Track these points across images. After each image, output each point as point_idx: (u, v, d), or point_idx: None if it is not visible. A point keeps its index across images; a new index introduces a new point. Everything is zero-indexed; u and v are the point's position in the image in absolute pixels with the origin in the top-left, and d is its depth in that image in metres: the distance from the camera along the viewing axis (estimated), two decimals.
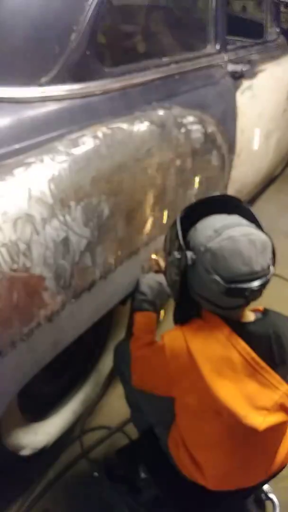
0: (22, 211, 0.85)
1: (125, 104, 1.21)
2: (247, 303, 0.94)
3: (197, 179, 1.48)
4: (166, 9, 1.59)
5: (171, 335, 1.02)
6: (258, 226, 0.98)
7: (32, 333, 0.94)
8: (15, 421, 1.21)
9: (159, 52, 1.46)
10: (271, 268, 0.93)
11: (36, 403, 1.32)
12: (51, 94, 1.04)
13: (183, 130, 1.34)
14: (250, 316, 1.00)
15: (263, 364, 0.92)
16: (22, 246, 0.86)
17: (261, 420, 0.90)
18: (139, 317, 1.23)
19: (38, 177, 0.90)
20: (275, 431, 0.96)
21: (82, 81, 1.10)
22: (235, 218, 0.96)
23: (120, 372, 1.34)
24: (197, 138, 1.42)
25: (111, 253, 1.13)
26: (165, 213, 1.35)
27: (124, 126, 1.14)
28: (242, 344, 0.93)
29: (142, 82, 1.29)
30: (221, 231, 0.91)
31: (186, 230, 1.00)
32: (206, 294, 0.95)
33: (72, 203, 0.96)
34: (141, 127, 1.19)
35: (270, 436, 1.00)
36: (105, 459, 1.52)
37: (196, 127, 1.41)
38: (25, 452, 1.27)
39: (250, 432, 0.90)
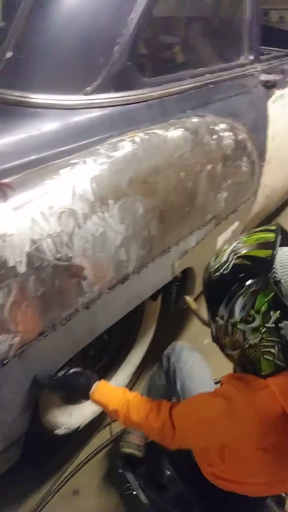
0: (66, 206, 0.95)
1: (162, 112, 1.30)
2: None
3: (227, 184, 1.55)
4: (202, 20, 1.67)
5: (262, 398, 0.88)
6: None
7: (70, 318, 1.03)
8: (52, 401, 1.30)
9: (195, 62, 1.55)
10: None
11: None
12: (94, 102, 1.14)
13: (215, 136, 1.42)
14: None
15: None
16: (65, 238, 0.95)
17: None
18: (99, 397, 1.07)
19: (81, 177, 0.99)
20: None
21: (123, 90, 1.19)
22: None
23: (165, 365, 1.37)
24: (228, 144, 1.48)
25: (144, 249, 1.21)
26: (195, 215, 1.42)
27: (160, 132, 1.23)
28: None
29: (178, 91, 1.38)
30: None
31: None
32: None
33: (111, 201, 1.05)
34: (175, 133, 1.27)
35: None
36: (127, 454, 1.54)
37: (227, 134, 1.48)
38: (60, 432, 1.36)
39: None
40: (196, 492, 1.19)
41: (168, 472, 1.31)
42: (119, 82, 1.18)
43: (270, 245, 0.88)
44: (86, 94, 1.12)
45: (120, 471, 1.43)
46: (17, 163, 0.95)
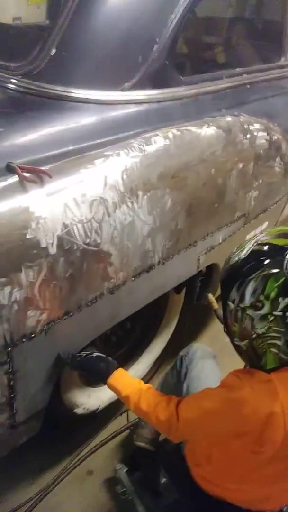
0: (98, 194, 1.01)
1: (196, 110, 1.34)
2: None
3: (258, 183, 1.57)
4: (243, 21, 1.69)
5: (262, 390, 0.91)
6: None
7: (95, 301, 1.09)
8: (73, 381, 1.38)
9: (233, 62, 1.58)
10: None
11: None
12: (131, 98, 1.19)
13: (248, 136, 1.44)
14: None
15: None
16: (95, 225, 1.01)
17: None
18: (115, 382, 1.11)
19: (114, 168, 1.05)
20: None
21: (159, 88, 1.24)
22: None
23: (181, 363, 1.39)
24: (261, 144, 1.50)
25: (170, 241, 1.26)
26: (224, 212, 1.46)
27: (193, 129, 1.27)
28: None
29: (214, 90, 1.42)
30: None
31: None
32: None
33: (140, 193, 1.10)
34: (209, 131, 1.31)
35: None
36: (127, 458, 1.57)
37: (261, 134, 1.50)
38: (78, 411, 1.43)
39: None
40: (192, 501, 1.19)
41: (164, 479, 1.33)
42: (156, 80, 1.23)
43: None
44: (123, 90, 1.18)
45: (117, 475, 1.45)
46: (55, 152, 1.01)
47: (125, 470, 1.45)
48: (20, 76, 1.13)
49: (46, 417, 1.22)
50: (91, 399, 1.48)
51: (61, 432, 1.61)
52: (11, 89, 1.12)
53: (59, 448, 1.64)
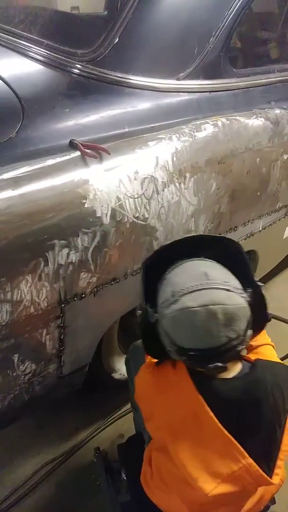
0: (149, 173, 1.10)
1: (246, 101, 1.41)
2: (216, 371, 0.85)
3: None
4: None
5: (141, 379, 0.99)
6: (245, 276, 0.87)
7: (139, 271, 1.19)
8: (113, 347, 1.49)
9: (285, 57, 1.62)
10: (248, 333, 0.83)
11: (130, 339, 1.58)
12: (185, 87, 1.27)
13: None
14: (231, 369, 0.89)
15: (224, 432, 0.83)
16: (145, 200, 1.11)
17: (212, 487, 0.82)
18: None
19: (165, 150, 1.14)
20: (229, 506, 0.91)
21: (212, 78, 1.32)
22: (204, 271, 0.83)
23: (128, 367, 1.31)
24: None
25: (213, 223, 1.34)
26: (266, 201, 1.52)
27: (242, 119, 1.34)
28: (204, 409, 0.84)
29: (264, 83, 1.48)
30: (178, 295, 0.80)
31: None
32: (169, 350, 0.86)
33: (188, 175, 1.19)
34: (256, 121, 1.37)
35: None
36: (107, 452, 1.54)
37: None
38: (116, 376, 1.55)
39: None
40: (141, 505, 1.11)
41: (124, 476, 1.32)
42: (209, 71, 1.31)
43: None
44: (178, 79, 1.26)
45: (95, 460, 1.46)
46: (113, 133, 1.12)
47: (101, 458, 1.45)
48: (85, 62, 1.23)
49: (86, 380, 1.33)
50: None
51: (97, 398, 1.73)
52: (76, 74, 1.21)
53: (95, 412, 1.76)
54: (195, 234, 1.01)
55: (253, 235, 1.56)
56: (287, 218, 1.71)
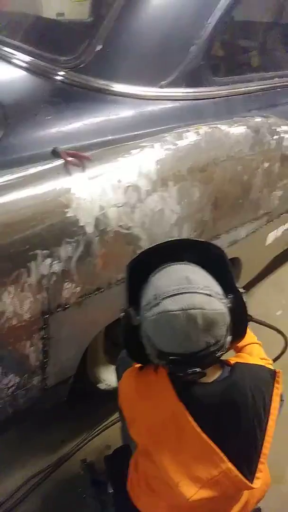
0: (132, 181, 1.10)
1: (227, 109, 1.42)
2: (195, 376, 0.84)
3: (283, 183, 1.63)
4: (275, 26, 1.76)
5: (124, 383, 1.01)
6: (227, 282, 0.87)
7: (123, 281, 1.18)
8: (98, 357, 1.47)
9: (265, 65, 1.65)
10: (227, 339, 0.84)
11: (116, 348, 1.57)
12: (167, 95, 1.28)
13: (275, 137, 1.51)
14: (211, 374, 0.90)
15: (203, 437, 0.84)
16: (128, 209, 1.10)
17: (193, 492, 0.82)
18: None
19: (148, 158, 1.14)
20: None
21: (193, 86, 1.33)
22: (186, 275, 0.83)
23: (118, 375, 1.29)
24: None
25: (196, 232, 1.34)
26: (248, 208, 1.53)
27: (223, 127, 1.35)
28: (184, 414, 0.85)
29: (245, 91, 1.49)
30: (160, 298, 0.81)
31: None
32: (150, 353, 0.87)
33: (170, 183, 1.19)
34: (238, 129, 1.38)
35: None
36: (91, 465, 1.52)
37: None
38: (101, 386, 1.53)
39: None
40: None
41: (111, 491, 1.27)
42: (191, 79, 1.31)
43: None
44: (161, 87, 1.27)
45: (82, 472, 1.45)
46: (95, 141, 1.11)
47: (88, 470, 1.43)
48: (68, 69, 1.22)
49: (71, 391, 1.31)
50: (114, 376, 1.57)
51: (83, 409, 1.71)
52: (59, 81, 1.21)
53: (81, 423, 1.73)
54: (178, 238, 1.00)
55: (236, 242, 1.57)
56: (269, 225, 1.72)
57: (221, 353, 0.84)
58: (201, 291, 0.80)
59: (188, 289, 0.80)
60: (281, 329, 1.26)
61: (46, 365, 1.13)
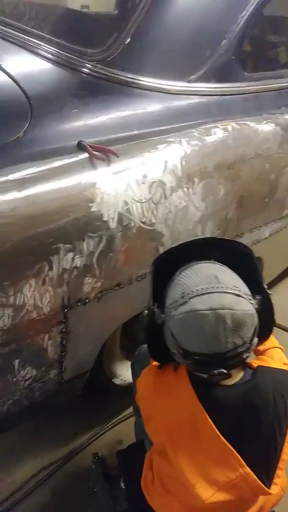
0: (157, 177, 1.08)
1: (257, 106, 1.39)
2: (220, 378, 0.82)
3: None
4: None
5: (142, 381, 1.00)
6: (255, 281, 0.85)
7: (144, 277, 1.17)
8: (115, 352, 1.47)
9: None
10: (254, 340, 0.81)
11: (132, 345, 1.56)
12: (195, 90, 1.25)
13: None
14: (233, 376, 0.87)
15: (222, 440, 0.82)
16: (152, 205, 1.09)
17: (209, 494, 0.81)
18: None
19: (174, 154, 1.12)
20: None
21: (223, 82, 1.30)
22: (214, 274, 0.81)
23: (134, 371, 1.28)
24: None
25: (219, 230, 1.32)
26: (273, 207, 1.49)
27: (252, 124, 1.32)
28: (203, 415, 0.83)
29: (275, 88, 1.45)
30: (188, 297, 0.79)
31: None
32: (174, 353, 0.85)
33: (196, 180, 1.16)
34: (266, 127, 1.35)
35: None
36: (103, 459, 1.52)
37: None
38: (116, 381, 1.52)
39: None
40: None
41: (123, 485, 1.29)
42: (220, 74, 1.28)
43: None
44: (189, 82, 1.24)
45: (93, 466, 1.44)
46: (122, 135, 1.09)
47: (99, 464, 1.43)
48: (95, 62, 1.21)
49: (86, 385, 1.31)
50: (129, 372, 1.56)
51: (97, 403, 1.71)
52: (85, 73, 1.19)
53: (94, 417, 1.74)
54: (204, 237, 0.98)
55: (259, 241, 1.54)
56: None
57: (248, 354, 0.82)
58: (230, 291, 0.78)
59: (217, 288, 0.78)
60: None
61: (63, 359, 1.12)
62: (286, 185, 1.47)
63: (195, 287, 0.80)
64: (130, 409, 1.75)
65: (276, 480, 0.86)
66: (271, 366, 0.96)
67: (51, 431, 1.68)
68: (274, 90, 1.45)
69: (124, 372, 1.55)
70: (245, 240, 1.46)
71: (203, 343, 0.77)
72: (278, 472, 0.87)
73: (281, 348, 1.13)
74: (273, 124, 1.36)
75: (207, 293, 0.78)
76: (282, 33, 1.66)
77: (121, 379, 1.54)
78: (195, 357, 0.79)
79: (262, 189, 1.39)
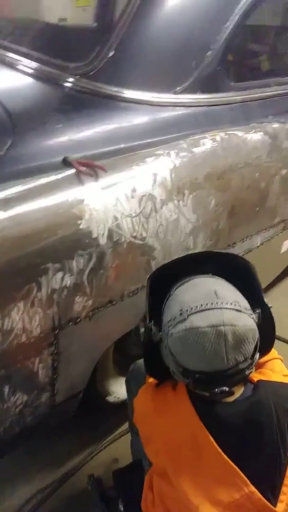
0: (147, 191, 1.06)
1: (244, 115, 1.38)
2: (222, 396, 0.80)
3: None
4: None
5: (140, 400, 0.96)
6: (254, 295, 0.83)
7: (136, 292, 1.14)
8: (108, 369, 1.43)
9: (281, 70, 1.60)
10: (256, 356, 0.79)
11: (125, 360, 1.53)
12: (182, 101, 1.23)
13: None
14: (234, 392, 0.84)
15: (225, 459, 0.79)
16: (143, 219, 1.06)
17: None
18: None
19: (163, 166, 1.10)
20: None
21: (209, 92, 1.28)
22: (213, 289, 0.79)
23: (129, 388, 1.25)
24: None
25: (211, 241, 1.29)
26: (264, 216, 1.48)
27: (240, 133, 1.30)
28: (204, 434, 0.81)
29: (261, 97, 1.45)
30: (186, 314, 0.76)
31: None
32: (173, 371, 0.83)
33: (186, 192, 1.14)
34: (255, 136, 1.34)
35: None
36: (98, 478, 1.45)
37: None
38: (110, 399, 1.48)
39: None
40: None
41: (121, 506, 1.22)
42: (206, 85, 1.27)
43: None
44: (175, 93, 1.22)
45: (89, 488, 1.38)
46: (109, 149, 1.07)
47: (95, 485, 1.36)
48: (78, 76, 1.19)
49: (79, 404, 1.27)
50: (122, 388, 1.53)
51: (90, 420, 1.66)
52: (68, 88, 1.18)
53: (88, 435, 1.69)
54: (200, 251, 0.96)
55: (251, 250, 1.52)
56: (285, 233, 1.67)
57: (250, 371, 0.80)
58: (230, 306, 0.76)
59: (217, 304, 0.76)
60: None
61: (55, 381, 1.08)
62: (277, 193, 1.46)
63: (194, 303, 0.77)
64: (124, 426, 1.71)
65: (282, 497, 0.83)
66: (272, 379, 0.94)
67: (44, 451, 1.62)
68: (260, 99, 1.44)
69: (117, 389, 1.51)
70: (237, 249, 1.45)
71: (204, 361, 0.75)
72: (284, 489, 0.83)
73: (280, 359, 1.11)
74: (261, 133, 1.36)
75: (206, 309, 0.76)
76: (265, 42, 1.66)
77: (115, 396, 1.51)
78: (196, 375, 0.77)
79: (253, 198, 1.37)
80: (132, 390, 1.22)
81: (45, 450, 1.62)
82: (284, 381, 0.96)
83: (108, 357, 1.40)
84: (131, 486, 1.17)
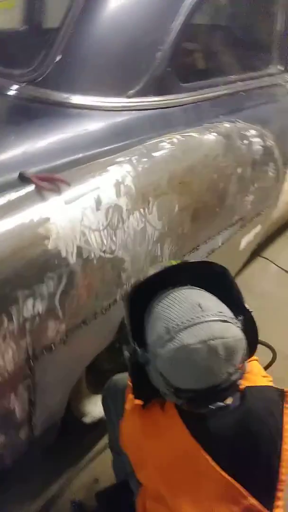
0: (112, 201, 1.00)
1: (197, 116, 1.36)
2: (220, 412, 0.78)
3: (254, 188, 1.60)
4: (236, 30, 1.74)
5: (127, 425, 0.93)
6: (234, 301, 0.81)
7: (109, 308, 1.08)
8: (82, 391, 1.36)
9: (228, 70, 1.61)
10: (245, 365, 0.78)
11: (99, 378, 1.46)
12: (136, 105, 1.19)
13: (245, 142, 1.47)
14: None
15: (222, 474, 0.77)
16: (110, 232, 1.00)
17: None
18: None
19: (126, 174, 1.05)
20: None
21: (162, 94, 1.25)
22: (197, 302, 0.76)
23: (106, 406, 1.19)
24: (257, 150, 1.54)
25: (177, 246, 1.26)
26: (224, 216, 1.48)
27: (195, 135, 1.28)
28: (199, 452, 0.78)
29: (211, 97, 1.44)
30: (173, 332, 0.73)
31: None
32: (165, 392, 0.80)
33: (151, 199, 1.10)
34: (210, 136, 1.32)
35: None
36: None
37: (256, 140, 1.54)
38: (86, 420, 1.41)
39: None
40: None
41: None
42: (159, 87, 1.24)
43: None
44: (128, 97, 1.18)
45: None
46: (67, 159, 1.00)
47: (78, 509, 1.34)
48: (24, 83, 1.11)
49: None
50: (97, 407, 1.46)
51: (63, 443, 1.57)
52: (14, 97, 1.10)
53: (64, 458, 1.59)
54: (176, 263, 0.92)
55: (213, 251, 1.52)
56: (243, 230, 1.69)
57: (240, 381, 0.78)
58: (216, 318, 0.73)
59: (203, 317, 0.73)
60: None
61: (32, 415, 1.00)
62: (234, 192, 1.46)
63: (179, 320, 0.74)
64: (100, 444, 1.64)
65: (278, 503, 0.82)
66: (257, 384, 0.92)
67: (19, 483, 1.51)
68: (211, 99, 1.43)
69: (92, 408, 1.44)
70: (201, 252, 1.43)
71: (197, 378, 0.73)
72: (278, 494, 0.82)
73: (256, 359, 1.10)
74: (215, 133, 1.35)
75: (193, 324, 0.73)
76: (214, 41, 1.66)
77: (91, 417, 1.43)
78: (189, 394, 0.75)
79: (213, 199, 1.36)
80: (109, 407, 1.16)
81: (19, 483, 1.51)
82: (265, 383, 0.96)
83: (81, 379, 1.33)
84: (117, 509, 1.12)
